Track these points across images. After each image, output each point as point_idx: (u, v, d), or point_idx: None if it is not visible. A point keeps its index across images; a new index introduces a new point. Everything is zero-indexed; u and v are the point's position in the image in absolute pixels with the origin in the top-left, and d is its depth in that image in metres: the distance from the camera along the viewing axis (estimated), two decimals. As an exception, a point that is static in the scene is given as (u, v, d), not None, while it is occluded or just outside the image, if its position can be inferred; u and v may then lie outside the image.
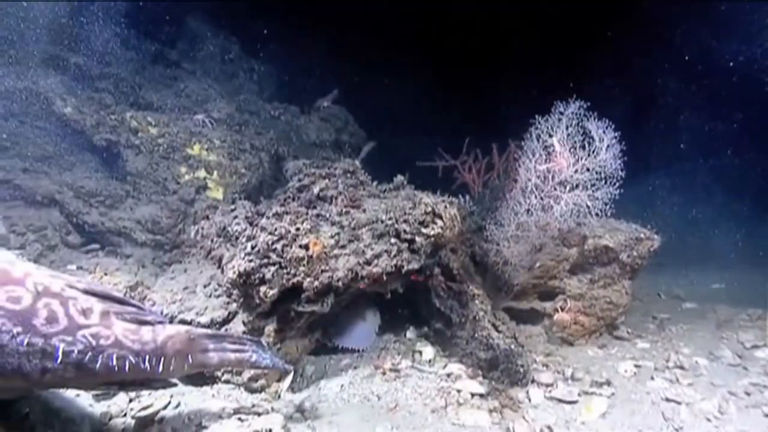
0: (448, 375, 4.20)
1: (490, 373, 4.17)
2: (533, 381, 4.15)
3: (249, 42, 8.37)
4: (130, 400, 3.39)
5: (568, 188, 4.65)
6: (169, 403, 3.35)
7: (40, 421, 2.97)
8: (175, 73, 7.09)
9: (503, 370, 4.11)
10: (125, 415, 3.26)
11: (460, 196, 5.50)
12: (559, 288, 5.16)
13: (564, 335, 5.02)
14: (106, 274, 4.35)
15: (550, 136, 4.66)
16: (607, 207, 4.53)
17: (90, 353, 2.35)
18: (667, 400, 3.89)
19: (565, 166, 4.63)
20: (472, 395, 3.89)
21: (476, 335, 4.27)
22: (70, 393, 3.24)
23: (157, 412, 3.24)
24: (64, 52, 6.29)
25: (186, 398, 3.46)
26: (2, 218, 5.01)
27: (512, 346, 4.12)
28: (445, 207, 4.44)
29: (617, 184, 4.49)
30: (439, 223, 4.32)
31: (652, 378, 4.29)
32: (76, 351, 2.31)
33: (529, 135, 4.78)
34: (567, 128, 4.59)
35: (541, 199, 4.72)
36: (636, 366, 4.49)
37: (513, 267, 4.97)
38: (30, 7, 6.34)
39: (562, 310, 5.01)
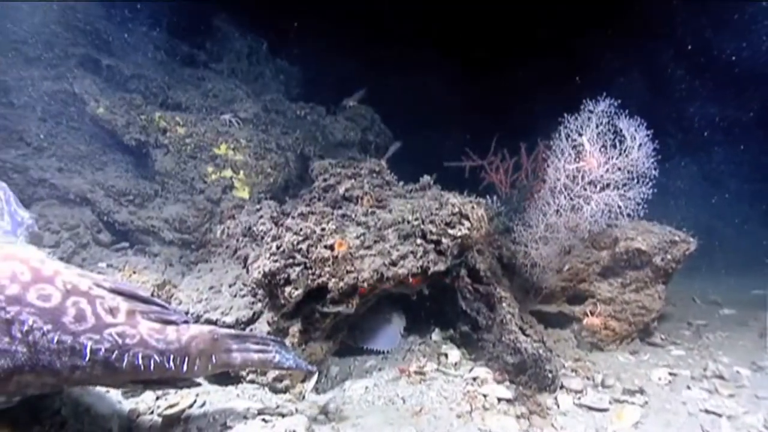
0: (474, 379, 4.13)
1: (517, 378, 4.07)
2: (562, 387, 4.04)
3: (276, 42, 8.41)
4: (157, 398, 3.42)
5: (598, 188, 4.54)
6: (195, 401, 3.37)
7: (71, 416, 3.04)
8: (203, 73, 7.17)
9: (531, 375, 4.01)
10: (152, 412, 3.30)
11: (487, 196, 5.41)
12: (589, 291, 5.03)
13: (594, 340, 4.88)
14: (134, 273, 4.41)
15: (580, 134, 4.55)
16: (640, 207, 4.41)
17: (116, 352, 2.37)
18: (706, 411, 3.69)
19: (596, 166, 4.52)
20: (499, 400, 3.81)
21: (503, 339, 4.18)
22: (99, 389, 3.28)
23: (183, 410, 3.26)
24: (97, 54, 6.43)
25: (211, 397, 3.48)
26: (38, 216, 5.13)
27: (540, 351, 4.02)
28: (472, 207, 4.38)
29: (650, 184, 4.36)
30: (466, 224, 4.26)
31: (689, 387, 4.10)
32: (103, 349, 2.33)
33: (558, 134, 4.68)
34: (597, 126, 4.47)
35: (571, 199, 4.61)
36: (671, 374, 4.31)
37: (541, 269, 4.87)
38: (66, 11, 6.52)
39: (592, 314, 4.88)
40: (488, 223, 4.77)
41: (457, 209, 4.23)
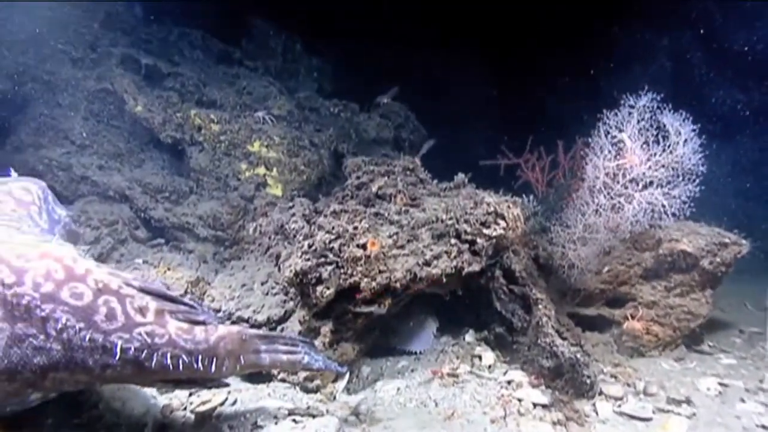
0: (509, 382, 4.01)
1: (553, 383, 3.93)
2: (601, 393, 3.88)
3: (310, 40, 8.42)
4: (190, 395, 3.45)
5: (640, 186, 4.36)
6: (227, 399, 3.38)
7: (107, 410, 3.11)
8: (238, 71, 7.24)
9: (568, 380, 3.87)
10: (185, 409, 3.33)
11: (523, 195, 5.28)
12: (630, 294, 4.83)
13: (635, 345, 4.68)
14: (169, 269, 4.47)
15: (620, 131, 4.38)
16: (686, 206, 4.21)
17: (146, 351, 2.39)
18: (764, 427, 3.43)
19: (637, 163, 4.35)
20: (534, 405, 3.69)
21: (539, 341, 4.06)
22: (134, 385, 3.33)
23: (215, 408, 3.28)
24: (136, 53, 6.58)
25: (242, 395, 3.49)
26: (80, 212, 5.28)
27: (578, 355, 3.87)
28: (508, 207, 4.28)
29: (697, 181, 4.16)
30: (502, 223, 4.16)
31: (743, 400, 3.83)
32: (132, 348, 2.35)
33: (597, 130, 4.51)
34: (638, 122, 4.29)
35: (611, 198, 4.44)
36: (721, 384, 4.05)
37: (579, 271, 4.70)
38: (110, 12, 6.71)
39: (633, 317, 4.68)
40: (524, 223, 4.65)
41: (492, 208, 4.14)
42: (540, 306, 4.26)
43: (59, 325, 2.21)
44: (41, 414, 2.78)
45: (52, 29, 6.37)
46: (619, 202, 4.40)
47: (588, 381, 3.81)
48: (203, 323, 2.63)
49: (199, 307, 2.66)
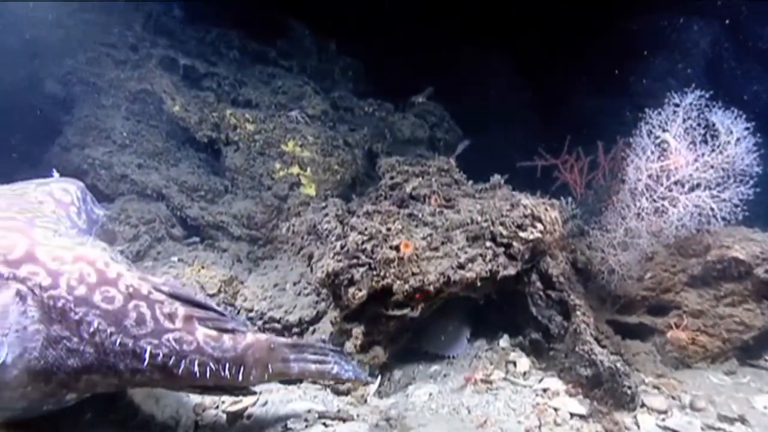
0: (545, 390, 3.89)
1: (591, 392, 3.79)
2: (643, 405, 3.70)
3: (345, 39, 8.42)
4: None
5: (686, 189, 4.15)
6: (257, 400, 3.39)
7: (142, 407, 3.16)
8: (273, 70, 7.28)
9: (607, 390, 3.71)
10: (217, 407, 3.36)
11: (561, 197, 5.13)
12: (675, 302, 4.60)
13: (680, 356, 4.46)
14: (203, 268, 4.53)
15: (664, 130, 4.19)
16: (738, 211, 4.00)
17: (174, 358, 2.39)
18: None
19: (683, 164, 4.15)
20: (571, 415, 3.55)
21: (577, 349, 3.92)
22: (165, 386, 3.37)
23: (246, 408, 3.30)
24: (174, 54, 6.71)
25: (273, 396, 3.48)
26: (120, 210, 5.41)
27: (618, 364, 3.71)
28: (546, 209, 4.18)
29: (750, 183, 3.94)
30: (539, 226, 4.06)
31: (808, 423, 3.53)
32: (161, 354, 2.36)
33: (639, 130, 4.33)
34: (684, 121, 4.09)
35: (654, 201, 4.25)
36: (780, 403, 3.76)
37: (620, 276, 4.51)
38: (149, 13, 6.86)
39: (678, 326, 4.46)
40: (562, 226, 4.53)
41: (529, 211, 4.04)
42: (578, 312, 4.11)
43: (92, 329, 2.24)
44: (80, 409, 2.86)
45: (99, 32, 6.64)
46: (663, 206, 4.20)
47: (629, 392, 3.64)
48: (232, 331, 2.63)
49: (227, 314, 2.66)
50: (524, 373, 4.23)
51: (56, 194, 2.83)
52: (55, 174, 3.22)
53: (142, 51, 6.64)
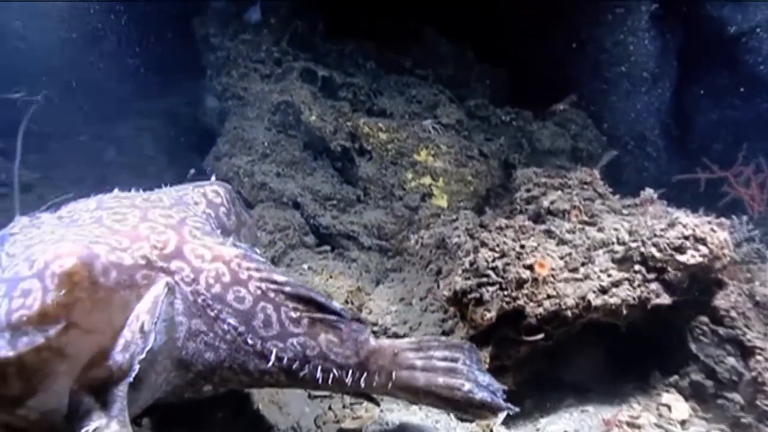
0: (712, 447, 3.27)
1: (776, 460, 3.11)
2: None
3: (482, 46, 8.22)
4: (344, 407, 3.44)
5: None
6: (377, 418, 3.28)
7: (267, 413, 3.27)
8: (408, 79, 7.30)
9: (799, 460, 3.01)
10: (337, 421, 3.32)
11: (733, 216, 4.39)
12: None
13: None
14: (331, 277, 4.57)
15: None
16: None
17: (298, 362, 2.41)
18: None
19: None
20: (750, 484, 2.93)
21: (758, 404, 3.25)
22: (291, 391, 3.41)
23: (365, 425, 3.21)
24: (314, 66, 7.00)
25: (393, 416, 3.34)
26: (258, 217, 5.74)
27: (816, 430, 2.99)
28: (712, 230, 3.57)
29: None
30: (702, 249, 3.48)
31: None
32: (286, 358, 2.40)
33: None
34: None
35: None
36: None
37: (817, 316, 3.70)
38: (294, 30, 7.28)
39: None
40: (734, 250, 3.84)
41: (690, 231, 3.48)
42: (759, 357, 3.41)
43: (225, 326, 2.34)
44: (215, 407, 2.99)
45: (252, 50, 7.26)
46: None
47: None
48: (354, 336, 2.58)
49: (350, 318, 2.62)
50: (683, 423, 3.59)
51: (209, 195, 3.03)
52: (213, 178, 3.46)
53: (285, 65, 7.03)
